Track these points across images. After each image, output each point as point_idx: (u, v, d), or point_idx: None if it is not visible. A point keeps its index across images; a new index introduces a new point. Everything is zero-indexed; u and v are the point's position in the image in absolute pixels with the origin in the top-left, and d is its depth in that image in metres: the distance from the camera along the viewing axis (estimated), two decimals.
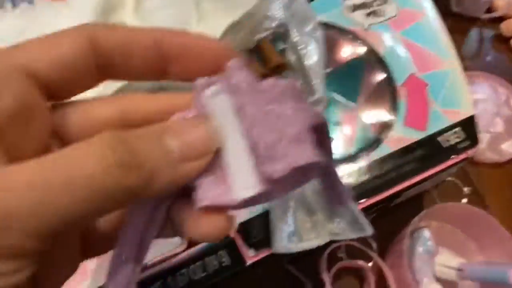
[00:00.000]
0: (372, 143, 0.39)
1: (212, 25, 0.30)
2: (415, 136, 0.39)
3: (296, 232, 0.34)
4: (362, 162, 0.38)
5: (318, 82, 0.35)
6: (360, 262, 0.45)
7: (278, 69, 0.34)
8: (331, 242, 0.35)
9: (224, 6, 0.32)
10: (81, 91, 0.17)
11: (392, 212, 0.45)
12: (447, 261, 0.44)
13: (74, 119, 0.17)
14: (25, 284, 0.13)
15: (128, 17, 0.36)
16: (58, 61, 0.15)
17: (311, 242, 0.34)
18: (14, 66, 0.15)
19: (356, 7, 0.43)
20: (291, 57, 0.36)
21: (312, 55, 0.36)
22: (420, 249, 0.45)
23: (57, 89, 0.16)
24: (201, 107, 0.16)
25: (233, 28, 0.28)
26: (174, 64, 0.17)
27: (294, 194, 0.34)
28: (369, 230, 0.34)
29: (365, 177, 0.37)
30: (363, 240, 0.46)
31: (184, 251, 0.34)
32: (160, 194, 0.15)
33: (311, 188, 0.34)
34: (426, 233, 0.45)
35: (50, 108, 0.16)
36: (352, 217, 0.34)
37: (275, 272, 0.45)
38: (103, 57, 0.16)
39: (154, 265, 0.34)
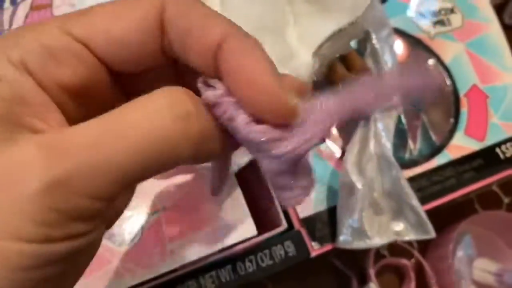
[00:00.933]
0: (434, 150, 0.40)
1: (310, 30, 0.31)
2: (474, 146, 0.40)
3: (362, 230, 0.35)
4: (424, 167, 0.39)
5: None
6: (403, 260, 0.46)
7: (361, 71, 0.35)
8: None
9: (317, 9, 0.33)
10: (145, 70, 0.16)
11: (432, 214, 0.47)
12: (486, 266, 0.46)
13: None
14: (100, 239, 0.13)
15: (215, 6, 0.37)
16: (120, 40, 0.14)
17: (376, 240, 0.35)
18: (75, 41, 0.14)
19: (423, 16, 0.44)
20: (369, 62, 0.37)
21: (388, 61, 0.38)
22: (460, 252, 0.47)
23: (117, 66, 0.15)
24: None
25: (335, 35, 0.29)
26: (225, 79, 0.15)
27: (363, 194, 0.35)
28: (432, 233, 0.35)
29: (426, 182, 0.39)
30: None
31: (254, 237, 0.36)
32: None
33: (380, 189, 0.36)
34: (467, 238, 0.47)
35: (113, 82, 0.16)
36: (417, 220, 0.36)
37: (321, 265, 0.47)
38: (167, 40, 0.15)
39: (226, 249, 0.35)
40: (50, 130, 0.14)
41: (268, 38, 0.34)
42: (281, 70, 0.33)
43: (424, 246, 0.49)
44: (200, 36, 0.14)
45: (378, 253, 0.47)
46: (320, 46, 0.32)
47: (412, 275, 0.46)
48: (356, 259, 0.47)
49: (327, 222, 0.37)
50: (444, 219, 0.46)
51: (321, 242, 0.37)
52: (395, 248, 0.47)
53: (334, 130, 0.41)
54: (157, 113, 0.13)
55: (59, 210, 0.12)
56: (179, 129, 0.13)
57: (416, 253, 0.46)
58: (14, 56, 0.13)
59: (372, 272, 0.44)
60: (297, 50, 0.32)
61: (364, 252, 0.46)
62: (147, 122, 0.13)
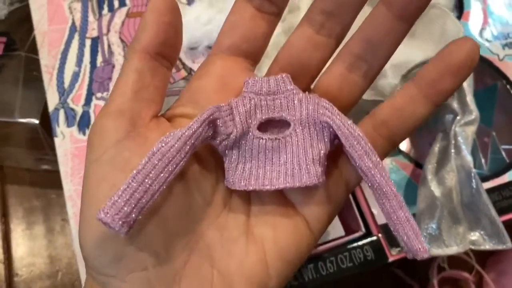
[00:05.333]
0: (504, 166, 0.42)
1: (400, 56, 0.33)
2: None
3: (440, 237, 0.37)
4: (495, 182, 0.41)
5: (472, 103, 0.38)
6: (464, 274, 0.48)
7: None
8: None
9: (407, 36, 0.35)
10: None
11: None
12: None
13: None
14: None
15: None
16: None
17: (452, 248, 0.37)
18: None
19: (493, 39, 0.47)
20: None
21: None
22: None
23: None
24: None
25: (424, 63, 0.32)
26: None
27: (442, 203, 0.37)
28: (508, 243, 0.37)
29: (497, 197, 0.40)
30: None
31: (340, 238, 0.37)
32: None
33: (459, 200, 0.37)
34: None
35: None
36: (494, 230, 0.37)
37: (383, 274, 0.48)
38: None
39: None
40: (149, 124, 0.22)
41: None
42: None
43: (482, 261, 0.50)
44: None
45: (438, 265, 0.48)
46: (409, 71, 0.35)
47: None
48: (417, 270, 0.48)
49: None
50: None
51: (399, 248, 0.38)
52: (455, 261, 0.48)
53: (407, 143, 0.43)
54: None
55: None
56: None
57: (477, 267, 0.47)
58: None
59: (435, 282, 0.45)
60: (385, 70, 0.34)
61: (426, 263, 0.47)
62: None
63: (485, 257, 0.50)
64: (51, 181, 0.49)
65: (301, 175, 0.21)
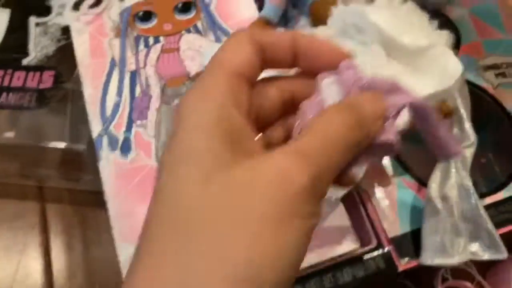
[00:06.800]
0: (500, 184, 0.47)
1: (412, 83, 0.38)
2: None
3: (444, 249, 0.41)
4: (492, 199, 0.46)
5: (470, 129, 0.43)
6: (467, 283, 0.52)
7: (448, 115, 0.42)
8: None
9: (411, 69, 0.40)
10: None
11: None
12: None
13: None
14: None
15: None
16: (243, 63, 0.23)
17: (455, 258, 0.41)
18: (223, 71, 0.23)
19: (487, 68, 0.52)
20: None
21: (461, 106, 0.45)
22: None
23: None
24: (319, 93, 0.24)
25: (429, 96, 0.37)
26: (302, 59, 0.25)
27: (445, 218, 0.42)
28: (505, 253, 0.41)
29: (494, 212, 0.45)
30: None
31: (355, 250, 0.42)
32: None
33: (460, 214, 0.42)
34: None
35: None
36: (491, 241, 0.42)
37: (393, 284, 0.53)
38: (263, 53, 0.24)
39: (325, 262, 0.42)
40: (260, 150, 0.23)
41: None
42: None
43: (482, 272, 0.54)
44: (280, 43, 0.24)
45: (442, 276, 0.52)
46: None
47: None
48: (423, 281, 0.52)
49: (411, 242, 0.43)
50: None
51: (407, 259, 0.43)
52: (457, 272, 0.53)
53: (413, 165, 0.48)
54: (341, 124, 0.21)
55: (317, 196, 0.19)
56: (352, 134, 0.21)
57: (478, 277, 0.52)
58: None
59: None
60: None
61: (432, 273, 0.52)
62: (335, 131, 0.21)
63: (485, 269, 0.54)
64: (88, 200, 0.54)
65: None
